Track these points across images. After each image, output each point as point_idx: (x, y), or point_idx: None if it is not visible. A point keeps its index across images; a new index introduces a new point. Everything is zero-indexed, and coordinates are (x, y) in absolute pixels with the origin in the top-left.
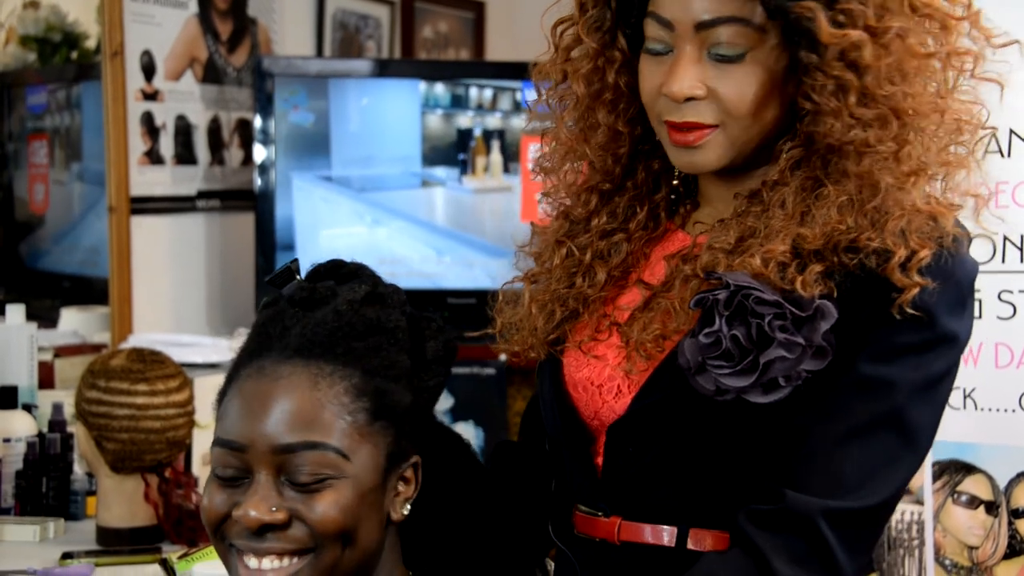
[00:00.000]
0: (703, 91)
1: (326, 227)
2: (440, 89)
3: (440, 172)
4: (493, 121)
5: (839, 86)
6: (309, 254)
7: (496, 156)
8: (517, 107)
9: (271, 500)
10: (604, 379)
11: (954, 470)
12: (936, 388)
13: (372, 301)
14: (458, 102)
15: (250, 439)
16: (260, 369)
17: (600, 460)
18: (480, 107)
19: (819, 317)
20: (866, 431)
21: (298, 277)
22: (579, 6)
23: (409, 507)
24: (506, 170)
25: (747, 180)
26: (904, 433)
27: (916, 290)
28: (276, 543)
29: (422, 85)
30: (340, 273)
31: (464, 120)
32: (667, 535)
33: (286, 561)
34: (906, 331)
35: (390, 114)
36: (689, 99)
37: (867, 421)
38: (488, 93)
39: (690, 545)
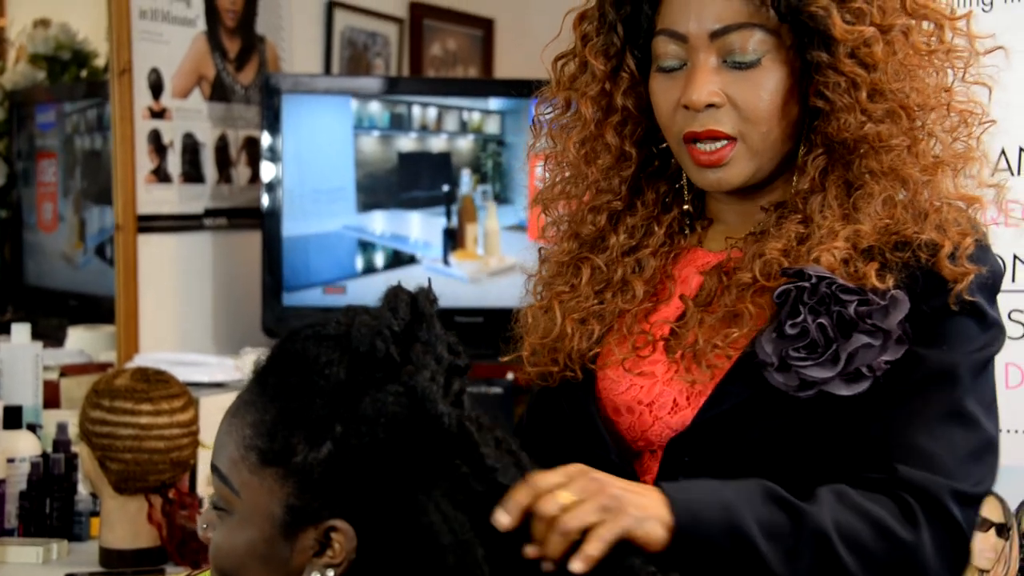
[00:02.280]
0: (721, 98)
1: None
2: (375, 107)
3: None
4: (438, 143)
5: (851, 82)
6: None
7: (492, 221)
8: (464, 127)
9: (206, 512)
10: (655, 396)
11: None
12: (992, 372)
13: (321, 339)
14: (397, 122)
15: None
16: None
17: (649, 479)
18: (424, 128)
19: (893, 307)
20: (955, 419)
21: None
22: (581, 37)
23: (331, 574)
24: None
25: (763, 195)
26: (989, 418)
27: (971, 277)
28: None
29: (353, 102)
30: (386, 296)
31: (406, 143)
32: None
33: None
34: (966, 320)
35: (322, 134)
36: (708, 107)
37: (949, 410)
38: (432, 112)
39: None
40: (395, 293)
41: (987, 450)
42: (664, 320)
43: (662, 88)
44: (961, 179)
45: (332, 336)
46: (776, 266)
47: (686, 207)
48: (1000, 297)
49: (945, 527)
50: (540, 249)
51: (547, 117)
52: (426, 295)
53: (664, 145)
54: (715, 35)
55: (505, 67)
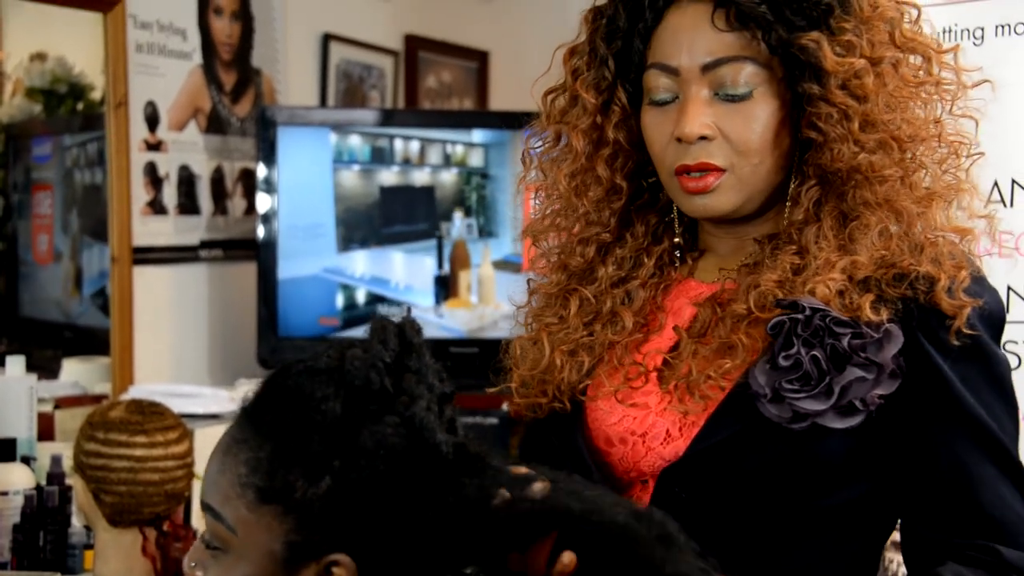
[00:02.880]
0: (713, 131)
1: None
2: (356, 140)
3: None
4: (421, 177)
5: (843, 113)
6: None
7: (487, 267)
8: (447, 160)
9: (195, 550)
10: (648, 427)
11: None
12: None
13: (314, 374)
14: (379, 156)
15: None
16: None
17: None
18: (407, 161)
19: (887, 340)
20: (1011, 479)
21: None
22: (572, 72)
23: None
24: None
25: (755, 226)
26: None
27: (967, 310)
28: None
29: (333, 136)
30: (372, 328)
31: (388, 176)
32: None
33: None
34: (974, 362)
35: (299, 164)
36: (701, 139)
37: (1004, 470)
38: (415, 145)
39: None
40: (382, 325)
41: None
42: (657, 351)
43: (655, 122)
44: (953, 211)
45: (325, 370)
46: (771, 297)
47: (677, 239)
48: None
49: None
50: (529, 280)
51: (538, 150)
52: (412, 325)
53: (653, 179)
54: (707, 68)
55: (500, 99)
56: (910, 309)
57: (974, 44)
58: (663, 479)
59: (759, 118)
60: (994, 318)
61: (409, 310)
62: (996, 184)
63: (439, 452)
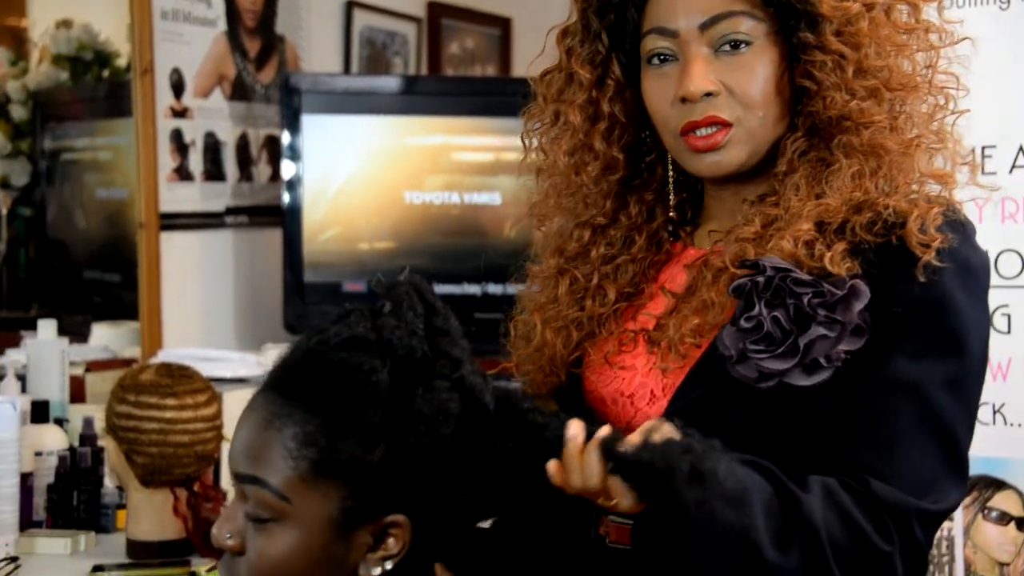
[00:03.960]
0: (717, 87)
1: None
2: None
3: None
4: None
5: (837, 61)
6: None
7: (509, 232)
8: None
9: (229, 521)
10: (635, 387)
11: (984, 486)
12: (967, 387)
13: (355, 345)
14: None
15: (228, 456)
16: (253, 396)
17: None
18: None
19: (853, 296)
20: (927, 430)
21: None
22: (566, 51)
23: (390, 565)
24: None
25: (755, 185)
26: (964, 426)
27: (937, 244)
28: (224, 572)
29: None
30: (391, 294)
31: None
32: None
33: None
34: (929, 315)
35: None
36: (706, 96)
37: (923, 419)
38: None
39: None
40: (402, 289)
41: (957, 463)
42: (651, 315)
43: (656, 86)
44: (938, 161)
45: (364, 341)
46: (750, 252)
47: (671, 214)
48: (1017, 293)
49: (911, 548)
50: (527, 264)
51: (536, 129)
52: (424, 285)
53: (650, 158)
54: (704, 27)
55: (523, 65)
56: (883, 252)
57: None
58: None
59: (760, 70)
60: (968, 262)
61: (406, 268)
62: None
63: (487, 411)
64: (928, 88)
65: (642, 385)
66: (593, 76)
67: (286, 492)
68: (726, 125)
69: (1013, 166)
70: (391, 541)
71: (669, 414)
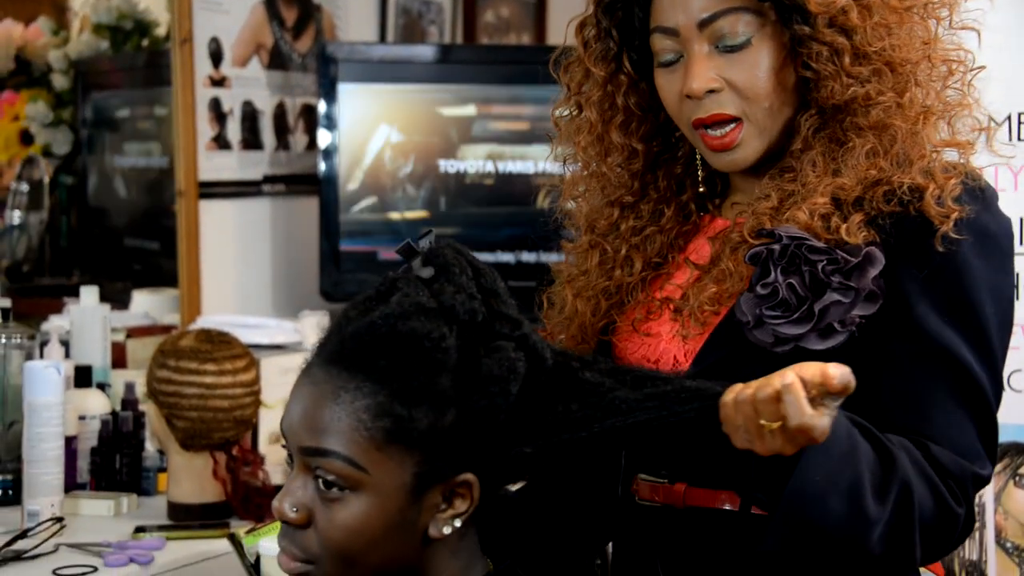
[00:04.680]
0: (720, 83)
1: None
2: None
3: None
4: None
5: (832, 50)
6: None
7: (543, 202)
8: None
9: (291, 495)
10: (660, 354)
11: (1015, 452)
12: (993, 353)
13: (418, 314)
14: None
15: (283, 430)
16: (307, 369)
17: None
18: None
19: (868, 263)
20: (965, 396)
21: (421, 250)
22: (583, 44)
23: (459, 523)
24: None
25: (777, 161)
26: (994, 388)
27: (955, 216)
28: (288, 545)
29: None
30: (434, 259)
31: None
32: (731, 500)
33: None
34: (948, 280)
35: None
36: (709, 93)
37: (960, 385)
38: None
39: (755, 509)
40: (448, 253)
41: (992, 428)
42: (676, 285)
43: (665, 82)
44: (957, 127)
45: (426, 309)
46: (767, 224)
47: (701, 189)
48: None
49: (969, 512)
50: (561, 242)
51: (565, 118)
52: (458, 247)
53: (679, 133)
54: (703, 24)
55: (557, 34)
56: (900, 223)
57: None
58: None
59: (761, 64)
60: (987, 230)
61: (430, 232)
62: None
63: (547, 366)
64: (935, 59)
65: (666, 351)
66: (606, 72)
67: (361, 462)
68: (735, 120)
69: None
70: (460, 500)
71: (689, 378)
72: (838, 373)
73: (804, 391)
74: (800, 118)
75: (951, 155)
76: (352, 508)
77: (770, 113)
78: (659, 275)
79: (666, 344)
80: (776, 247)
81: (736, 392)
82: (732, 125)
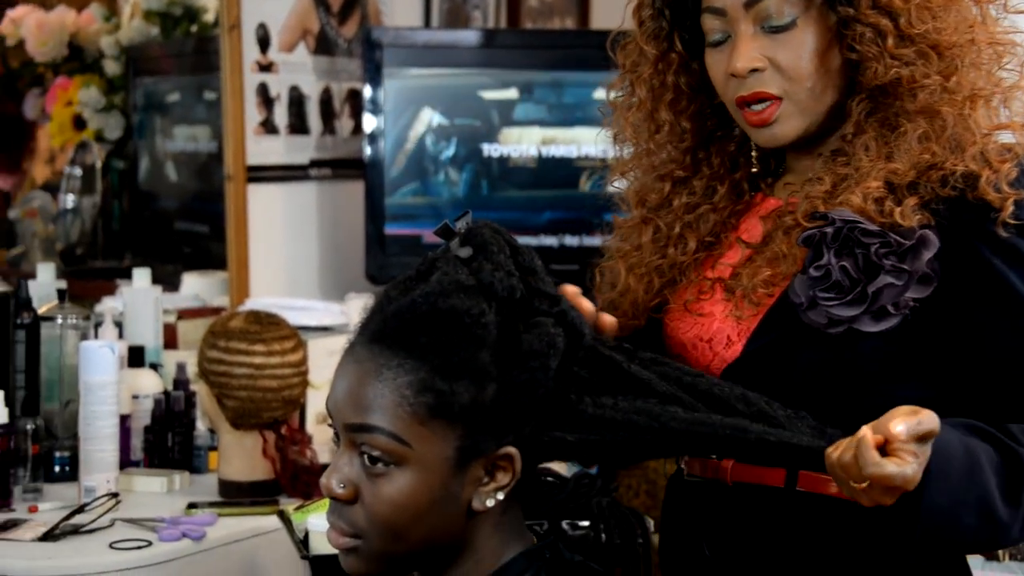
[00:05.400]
0: (764, 63)
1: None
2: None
3: None
4: None
5: (876, 32)
6: None
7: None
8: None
9: (338, 471)
10: (713, 333)
11: None
12: None
13: (458, 292)
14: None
15: (329, 408)
16: (351, 348)
17: None
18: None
19: (922, 246)
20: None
21: (459, 231)
22: (639, 23)
23: (501, 496)
24: None
25: (828, 142)
26: None
27: (1011, 201)
28: (336, 520)
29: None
30: (473, 239)
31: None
32: (778, 476)
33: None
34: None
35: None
36: (753, 72)
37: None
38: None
39: (800, 486)
40: (483, 233)
41: None
42: (728, 264)
43: (713, 61)
44: (1015, 107)
45: (466, 286)
46: (820, 208)
47: (754, 168)
48: None
49: None
50: (612, 217)
51: (616, 100)
52: (494, 226)
53: None
54: (749, 4)
55: (601, 18)
56: (957, 209)
57: None
58: (725, 377)
59: (805, 44)
60: None
61: (467, 213)
62: None
63: (585, 343)
64: (980, 42)
65: (719, 331)
66: (658, 51)
67: (405, 437)
68: (775, 99)
69: None
70: (502, 473)
71: (744, 355)
72: (903, 427)
73: (873, 445)
74: (851, 102)
75: (1008, 136)
76: (397, 482)
77: (812, 94)
78: (710, 254)
79: (719, 323)
80: (829, 230)
81: (831, 457)
82: (770, 102)
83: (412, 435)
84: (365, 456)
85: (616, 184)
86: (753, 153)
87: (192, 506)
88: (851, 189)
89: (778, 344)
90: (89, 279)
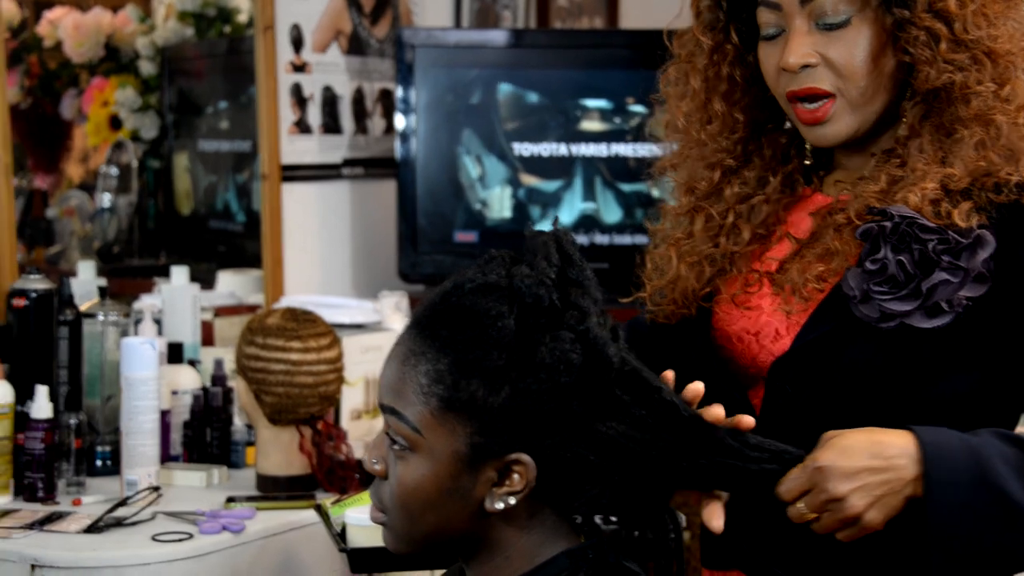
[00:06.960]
0: (816, 59)
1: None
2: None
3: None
4: None
5: (930, 35)
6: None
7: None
8: None
9: (376, 448)
10: (761, 326)
11: None
12: None
13: (486, 291)
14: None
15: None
16: (404, 329)
17: (758, 402)
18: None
19: (978, 245)
20: None
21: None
22: (696, 14)
23: (513, 501)
24: None
25: (879, 142)
26: None
27: None
28: (373, 494)
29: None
30: (532, 243)
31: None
32: None
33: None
34: None
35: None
36: (805, 67)
37: None
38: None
39: None
40: (543, 240)
41: None
42: (774, 258)
43: (766, 55)
44: None
45: (496, 287)
46: (876, 206)
47: (807, 161)
48: None
49: None
50: (661, 205)
51: (668, 90)
52: (567, 236)
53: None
54: (805, 1)
55: (630, 18)
56: (1012, 214)
57: None
58: (772, 374)
59: (859, 43)
60: None
61: (557, 220)
62: None
63: (610, 363)
64: None
65: (767, 324)
66: (713, 42)
67: (419, 425)
68: (827, 96)
69: None
70: (515, 478)
71: (794, 349)
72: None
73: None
74: (905, 103)
75: None
76: (412, 467)
77: (864, 94)
78: (760, 246)
79: (767, 317)
80: (888, 224)
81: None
82: (825, 100)
83: (423, 424)
84: (389, 436)
85: (669, 173)
86: (807, 146)
87: (231, 500)
88: (908, 189)
89: (828, 339)
90: (126, 277)
